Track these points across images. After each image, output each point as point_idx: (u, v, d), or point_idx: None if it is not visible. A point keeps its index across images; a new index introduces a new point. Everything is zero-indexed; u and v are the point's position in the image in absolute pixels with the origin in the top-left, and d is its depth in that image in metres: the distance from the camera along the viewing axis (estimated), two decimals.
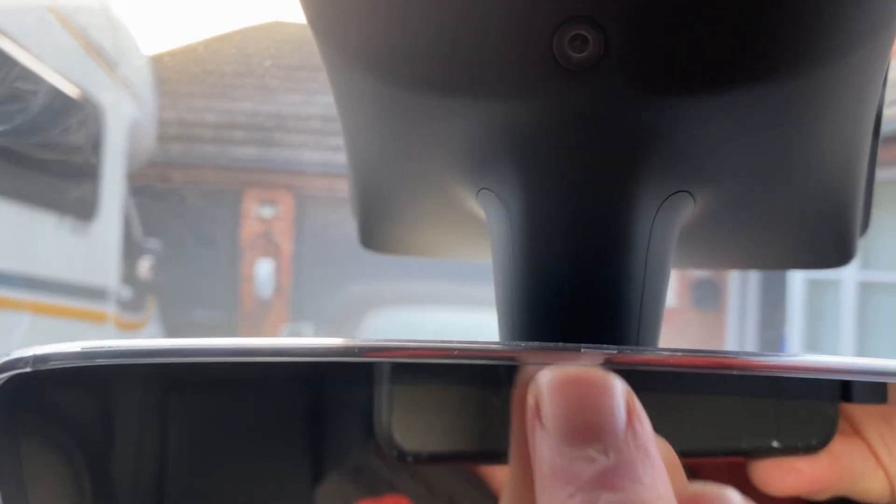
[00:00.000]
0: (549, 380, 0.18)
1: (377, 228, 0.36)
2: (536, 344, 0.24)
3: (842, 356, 0.24)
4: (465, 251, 0.38)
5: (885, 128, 0.35)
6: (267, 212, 6.73)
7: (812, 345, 4.90)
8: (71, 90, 2.71)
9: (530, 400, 0.19)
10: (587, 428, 0.17)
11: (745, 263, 0.44)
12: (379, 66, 0.22)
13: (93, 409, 0.26)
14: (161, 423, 0.26)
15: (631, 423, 0.17)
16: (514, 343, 0.24)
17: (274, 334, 5.84)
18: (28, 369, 0.23)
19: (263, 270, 6.60)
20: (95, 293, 3.08)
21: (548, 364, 0.20)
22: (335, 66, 0.24)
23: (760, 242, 0.35)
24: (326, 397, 0.27)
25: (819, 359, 0.23)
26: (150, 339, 0.25)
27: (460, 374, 0.24)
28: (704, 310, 6.10)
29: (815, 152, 0.27)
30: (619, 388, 0.18)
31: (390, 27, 0.21)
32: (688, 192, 0.25)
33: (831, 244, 0.35)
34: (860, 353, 4.34)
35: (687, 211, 0.26)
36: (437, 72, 0.21)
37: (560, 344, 0.22)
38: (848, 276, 4.46)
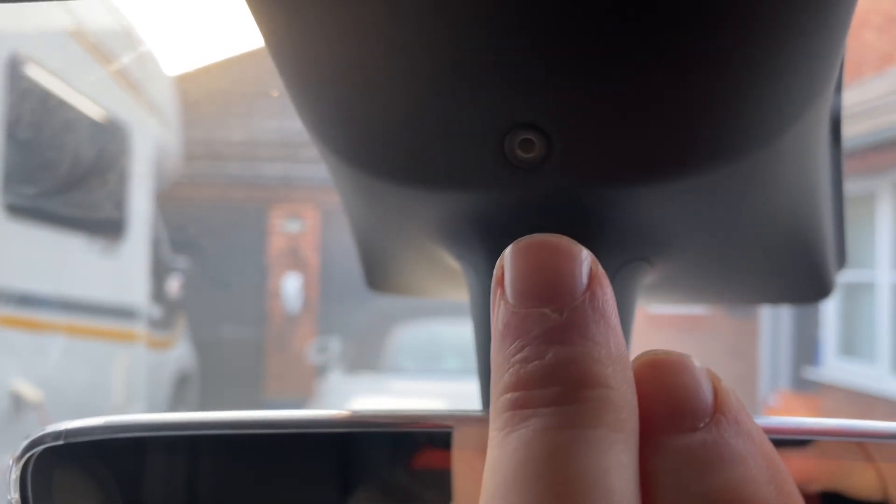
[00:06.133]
0: (514, 246, 0.18)
1: (379, 275, 0.40)
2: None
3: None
4: (457, 293, 0.41)
5: None
6: (293, 227, 6.76)
7: (847, 349, 4.81)
8: (96, 113, 2.75)
9: (496, 271, 0.19)
10: (544, 288, 0.17)
11: (720, 301, 0.46)
12: (362, 161, 0.26)
13: (119, 477, 0.28)
14: (182, 488, 0.29)
15: (591, 287, 0.17)
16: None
17: (302, 349, 5.88)
18: (61, 442, 0.26)
19: (291, 285, 6.63)
20: (125, 313, 3.11)
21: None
22: (327, 158, 0.28)
23: (730, 283, 0.37)
24: (342, 464, 0.29)
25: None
26: (170, 413, 0.28)
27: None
28: (738, 317, 6.03)
29: (771, 212, 0.29)
30: (584, 254, 0.18)
31: (371, 130, 0.25)
32: (643, 259, 0.28)
33: (806, 282, 0.37)
34: None
35: (644, 275, 0.29)
36: (411, 168, 0.25)
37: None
38: (883, 279, 4.37)
